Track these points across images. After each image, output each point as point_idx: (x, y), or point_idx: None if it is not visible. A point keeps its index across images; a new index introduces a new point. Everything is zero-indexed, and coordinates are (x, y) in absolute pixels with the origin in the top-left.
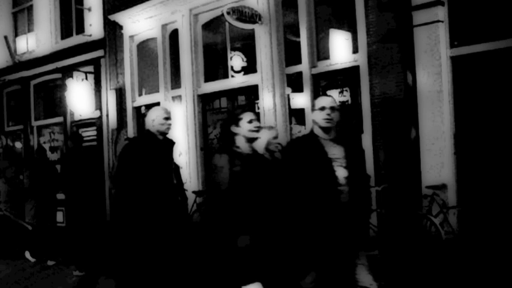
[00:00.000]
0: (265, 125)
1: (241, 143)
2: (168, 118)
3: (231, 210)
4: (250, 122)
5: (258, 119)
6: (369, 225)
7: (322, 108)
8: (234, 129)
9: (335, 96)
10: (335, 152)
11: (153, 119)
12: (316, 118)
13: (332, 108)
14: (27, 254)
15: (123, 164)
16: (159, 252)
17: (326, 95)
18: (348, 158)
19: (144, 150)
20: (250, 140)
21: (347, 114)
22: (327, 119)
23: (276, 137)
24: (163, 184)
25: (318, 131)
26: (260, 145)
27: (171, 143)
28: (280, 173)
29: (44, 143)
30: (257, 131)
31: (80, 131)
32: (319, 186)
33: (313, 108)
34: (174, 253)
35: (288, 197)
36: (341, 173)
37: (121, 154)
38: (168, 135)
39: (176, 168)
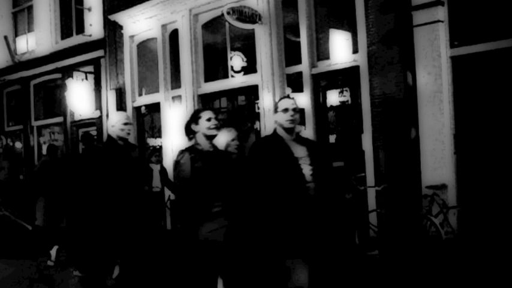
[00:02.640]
0: (224, 127)
1: (201, 140)
2: (127, 123)
3: (192, 203)
4: (208, 120)
5: (217, 118)
6: (340, 217)
7: (286, 110)
8: (194, 127)
9: (335, 96)
10: (299, 151)
11: (113, 124)
12: (280, 119)
13: (294, 110)
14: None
15: (82, 169)
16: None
17: (288, 97)
18: (311, 156)
19: (103, 156)
20: (209, 138)
21: (347, 114)
22: (291, 120)
23: (234, 139)
24: (123, 189)
25: (281, 132)
26: (219, 146)
27: (133, 148)
28: (248, 172)
29: (44, 143)
30: (215, 129)
31: (80, 131)
32: (289, 184)
33: (275, 110)
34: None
35: (259, 195)
36: (307, 170)
37: (81, 159)
38: (129, 140)
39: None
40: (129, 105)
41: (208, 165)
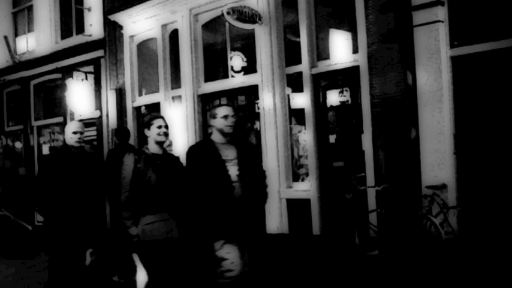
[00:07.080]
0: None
1: (151, 144)
2: (76, 132)
3: (131, 199)
4: (159, 127)
5: (167, 126)
6: (261, 214)
7: (226, 117)
8: (146, 132)
9: (335, 96)
10: (228, 153)
11: (65, 134)
12: (220, 125)
13: (233, 117)
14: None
15: (38, 176)
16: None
17: (224, 104)
18: (240, 158)
19: (55, 163)
20: (159, 143)
21: (347, 114)
22: (231, 125)
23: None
24: (74, 195)
25: (217, 137)
26: None
27: (88, 156)
28: (184, 173)
29: (44, 143)
30: (164, 135)
31: None
32: (215, 184)
33: (214, 117)
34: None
35: (190, 193)
36: (233, 171)
37: (38, 166)
38: (86, 148)
39: None
40: (129, 105)
41: (150, 166)
